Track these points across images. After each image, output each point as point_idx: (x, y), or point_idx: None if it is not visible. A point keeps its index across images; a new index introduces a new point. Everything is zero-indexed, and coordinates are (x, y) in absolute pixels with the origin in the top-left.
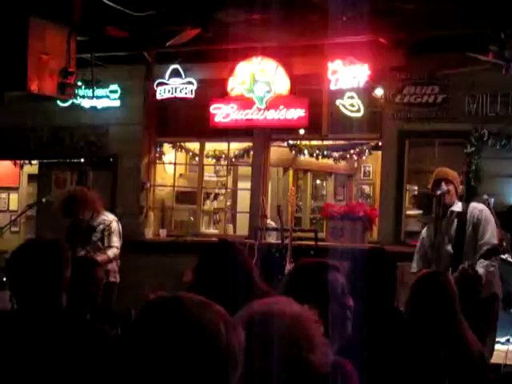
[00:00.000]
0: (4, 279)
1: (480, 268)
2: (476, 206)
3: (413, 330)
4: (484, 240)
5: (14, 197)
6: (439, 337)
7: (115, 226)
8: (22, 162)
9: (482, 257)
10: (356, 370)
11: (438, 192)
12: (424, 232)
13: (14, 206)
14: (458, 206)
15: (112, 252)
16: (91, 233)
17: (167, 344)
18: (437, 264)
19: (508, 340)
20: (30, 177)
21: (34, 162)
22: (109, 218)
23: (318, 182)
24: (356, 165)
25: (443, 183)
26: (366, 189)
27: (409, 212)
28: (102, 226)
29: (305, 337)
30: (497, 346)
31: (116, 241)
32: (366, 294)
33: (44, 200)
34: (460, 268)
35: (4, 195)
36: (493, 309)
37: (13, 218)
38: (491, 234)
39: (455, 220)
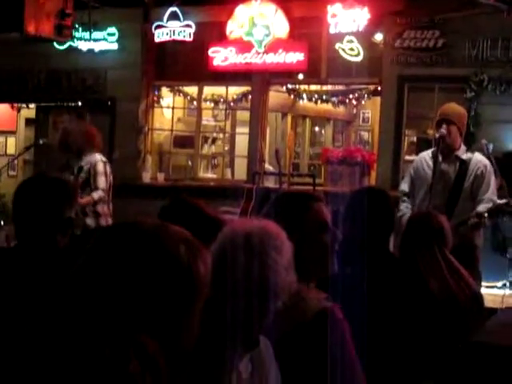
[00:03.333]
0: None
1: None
2: (481, 160)
3: (405, 270)
4: (485, 196)
5: (11, 141)
6: (431, 276)
7: (101, 166)
8: (19, 105)
9: (487, 212)
10: (346, 316)
11: (437, 135)
12: (420, 162)
13: (11, 150)
14: (463, 153)
15: (97, 194)
16: (79, 174)
17: (125, 263)
18: (428, 205)
19: (504, 285)
20: (28, 121)
21: (32, 105)
22: (96, 158)
23: (317, 128)
24: (355, 111)
25: (444, 124)
26: (365, 135)
27: (407, 157)
28: (87, 167)
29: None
30: (493, 291)
31: (102, 182)
32: (362, 235)
33: (41, 142)
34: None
35: (1, 139)
36: (475, 257)
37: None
38: (492, 191)
39: (457, 166)
